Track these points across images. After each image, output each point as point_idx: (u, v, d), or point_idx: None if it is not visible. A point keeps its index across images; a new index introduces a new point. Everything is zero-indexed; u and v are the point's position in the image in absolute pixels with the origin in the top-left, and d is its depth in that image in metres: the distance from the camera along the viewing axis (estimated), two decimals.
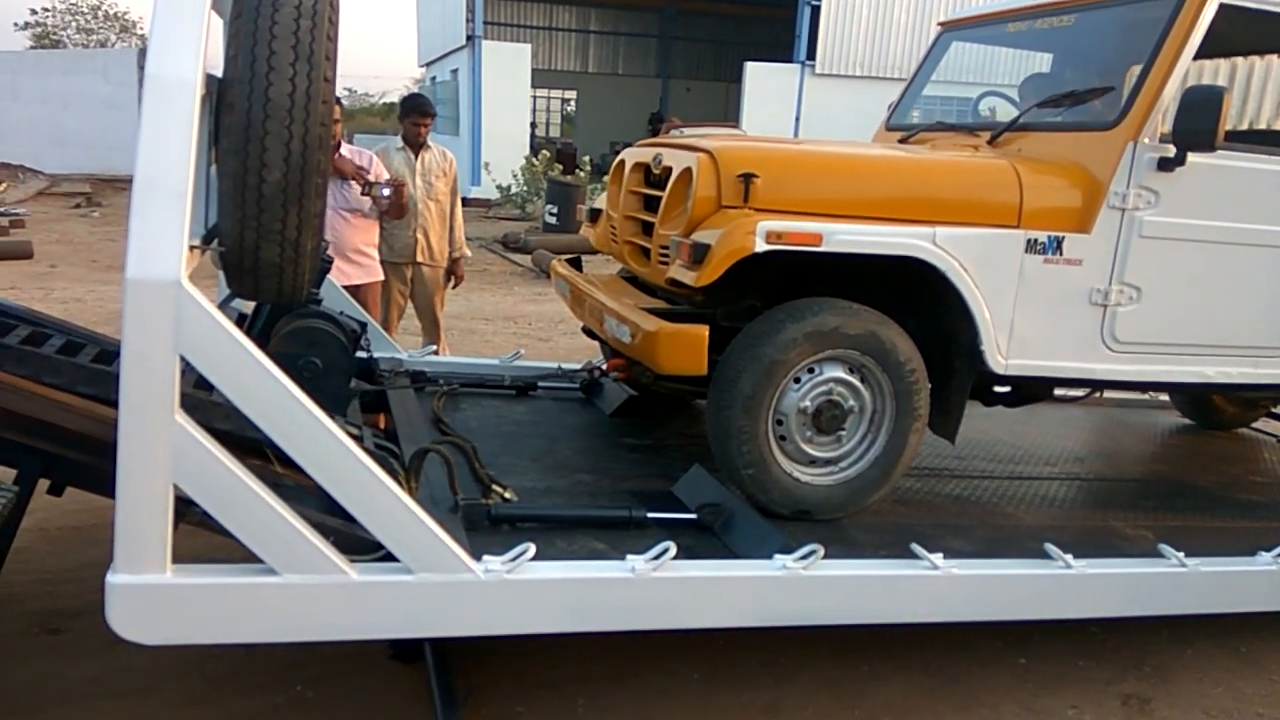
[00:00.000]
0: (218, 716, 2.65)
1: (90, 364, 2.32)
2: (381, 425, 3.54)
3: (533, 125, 25.29)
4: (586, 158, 17.21)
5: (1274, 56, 3.71)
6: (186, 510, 2.09)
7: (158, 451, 1.90)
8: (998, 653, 3.23)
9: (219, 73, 2.27)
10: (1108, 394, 5.09)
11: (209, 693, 2.74)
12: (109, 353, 2.60)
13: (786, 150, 3.12)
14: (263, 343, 3.15)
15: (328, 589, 2.10)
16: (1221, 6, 2.98)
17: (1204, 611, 3.01)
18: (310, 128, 2.11)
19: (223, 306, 3.55)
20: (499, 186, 17.59)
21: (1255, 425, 4.95)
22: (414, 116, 5.13)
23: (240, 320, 3.42)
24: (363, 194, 4.43)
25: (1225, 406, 4.83)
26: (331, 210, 4.45)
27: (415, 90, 30.49)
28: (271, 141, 2.08)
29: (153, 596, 1.98)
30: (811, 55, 19.94)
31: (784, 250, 2.71)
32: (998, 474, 3.70)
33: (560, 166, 16.89)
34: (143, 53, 20.90)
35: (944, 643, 3.20)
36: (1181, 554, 2.86)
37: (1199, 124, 2.84)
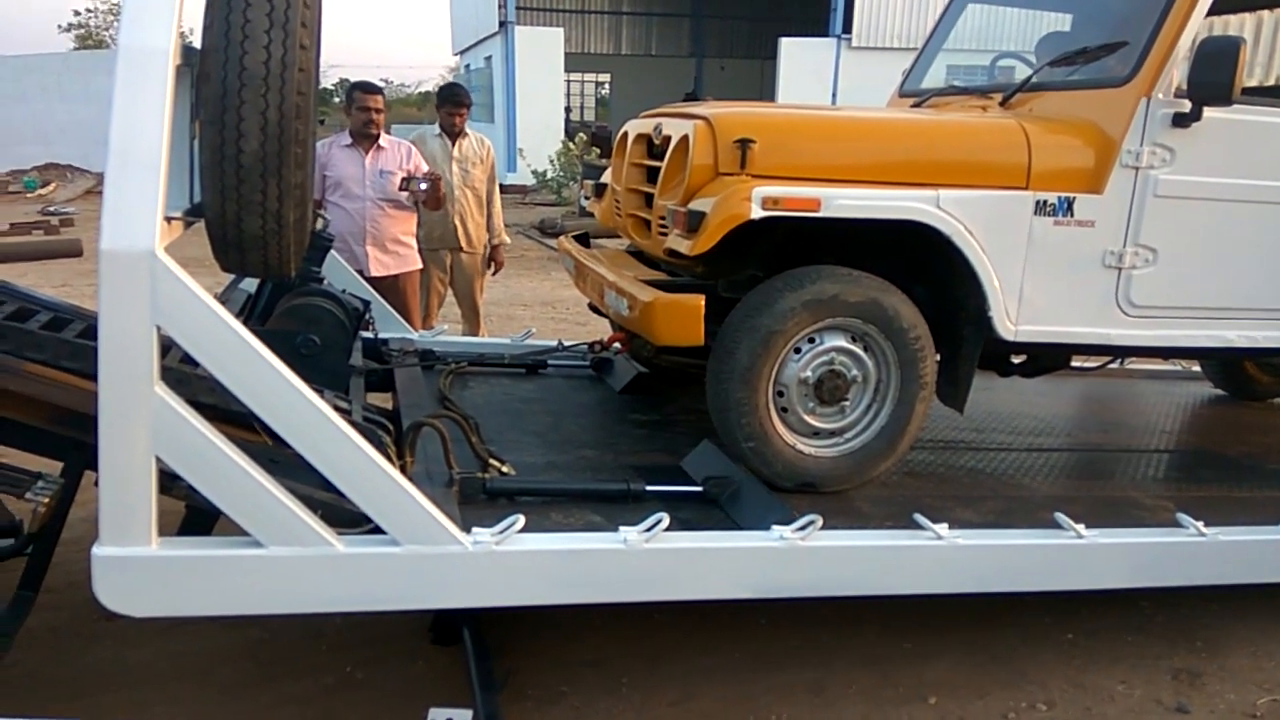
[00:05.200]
0: (271, 698, 2.68)
1: (75, 339, 2.34)
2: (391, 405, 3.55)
3: (567, 109, 25.28)
4: None
5: None
6: (172, 484, 2.10)
7: (138, 424, 1.91)
8: (1045, 629, 3.16)
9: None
10: (1137, 365, 4.97)
11: (261, 675, 2.78)
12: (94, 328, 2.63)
13: (784, 115, 3.06)
14: (264, 321, 3.18)
15: (314, 561, 2.11)
16: None
17: (1228, 582, 2.90)
18: (286, 96, 2.09)
19: (232, 287, 3.60)
20: (535, 172, 17.60)
21: None
22: (449, 106, 5.14)
23: (246, 301, 3.45)
24: (400, 189, 4.45)
25: (1259, 375, 4.65)
26: (370, 202, 4.50)
27: (450, 79, 30.64)
28: (247, 111, 2.07)
29: (138, 568, 2.00)
30: (848, 29, 19.62)
31: (782, 217, 2.65)
32: (1016, 446, 3.61)
33: (597, 150, 16.85)
34: None
35: (990, 619, 3.14)
36: (1200, 523, 2.76)
37: (1215, 77, 2.72)
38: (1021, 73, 3.61)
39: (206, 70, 2.09)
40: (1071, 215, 2.85)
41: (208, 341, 1.94)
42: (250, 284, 3.50)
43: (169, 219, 2.00)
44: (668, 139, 3.05)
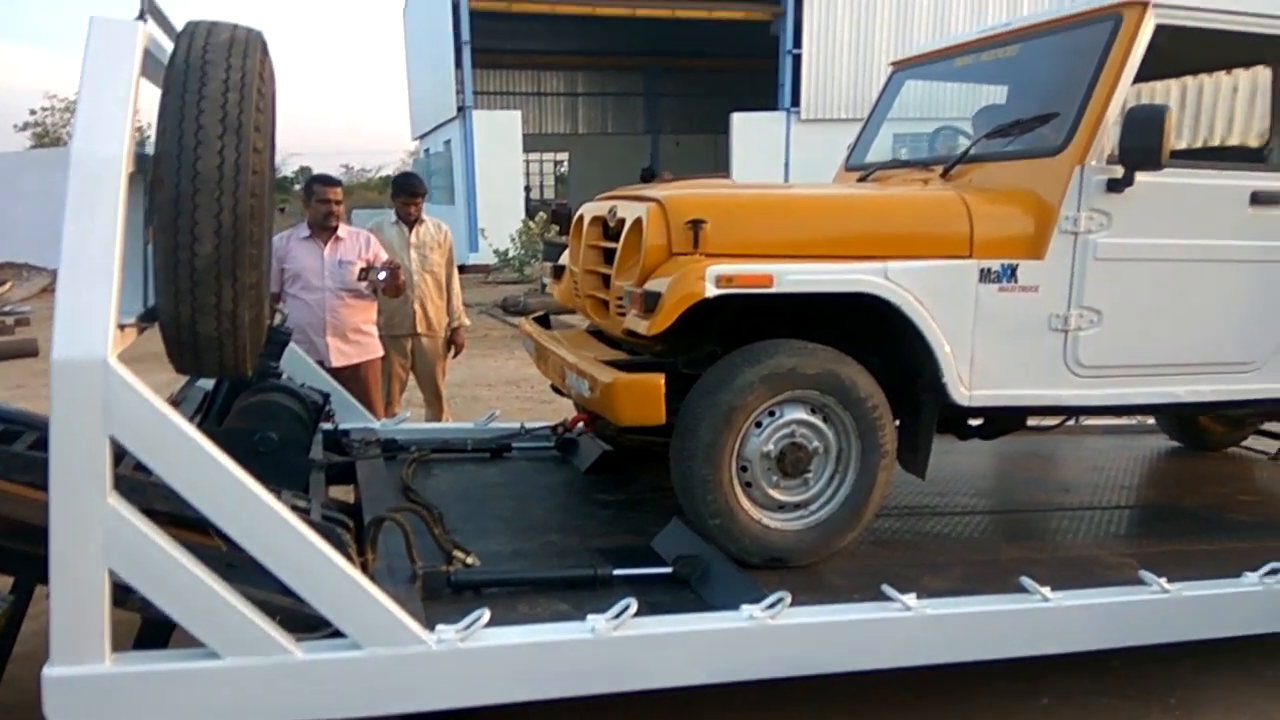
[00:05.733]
0: None
1: (27, 450, 2.30)
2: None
3: (527, 188, 25.59)
4: None
5: (1221, 74, 3.72)
6: (126, 597, 2.05)
7: (90, 536, 1.87)
8: (1019, 694, 3.14)
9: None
10: (1094, 421, 5.05)
11: None
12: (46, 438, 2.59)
13: (734, 195, 3.13)
14: (222, 420, 3.15)
15: (273, 670, 2.05)
16: (1158, 27, 3.00)
17: (1194, 637, 2.91)
18: (240, 199, 2.11)
19: (189, 385, 3.57)
20: (496, 252, 17.74)
21: (1245, 444, 4.87)
22: (403, 196, 5.20)
23: (202, 399, 3.42)
24: (359, 279, 4.47)
25: (1212, 426, 4.75)
26: (329, 292, 4.50)
27: (408, 166, 30.97)
28: (201, 215, 2.08)
29: (92, 688, 1.94)
30: (796, 102, 20.20)
31: (736, 294, 2.69)
32: (979, 509, 3.63)
33: (557, 227, 17.03)
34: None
35: (963, 686, 3.11)
36: (1163, 580, 2.78)
37: (1144, 143, 2.83)
38: (962, 143, 3.74)
39: (160, 176, 2.11)
40: (1015, 281, 2.93)
41: (161, 449, 1.92)
42: (207, 381, 3.48)
43: (122, 326, 2.00)
44: (622, 221, 3.11)
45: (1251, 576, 2.91)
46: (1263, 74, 3.34)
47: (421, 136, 26.99)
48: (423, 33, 23.26)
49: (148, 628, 2.29)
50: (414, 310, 5.13)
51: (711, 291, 2.65)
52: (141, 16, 2.31)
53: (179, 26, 2.26)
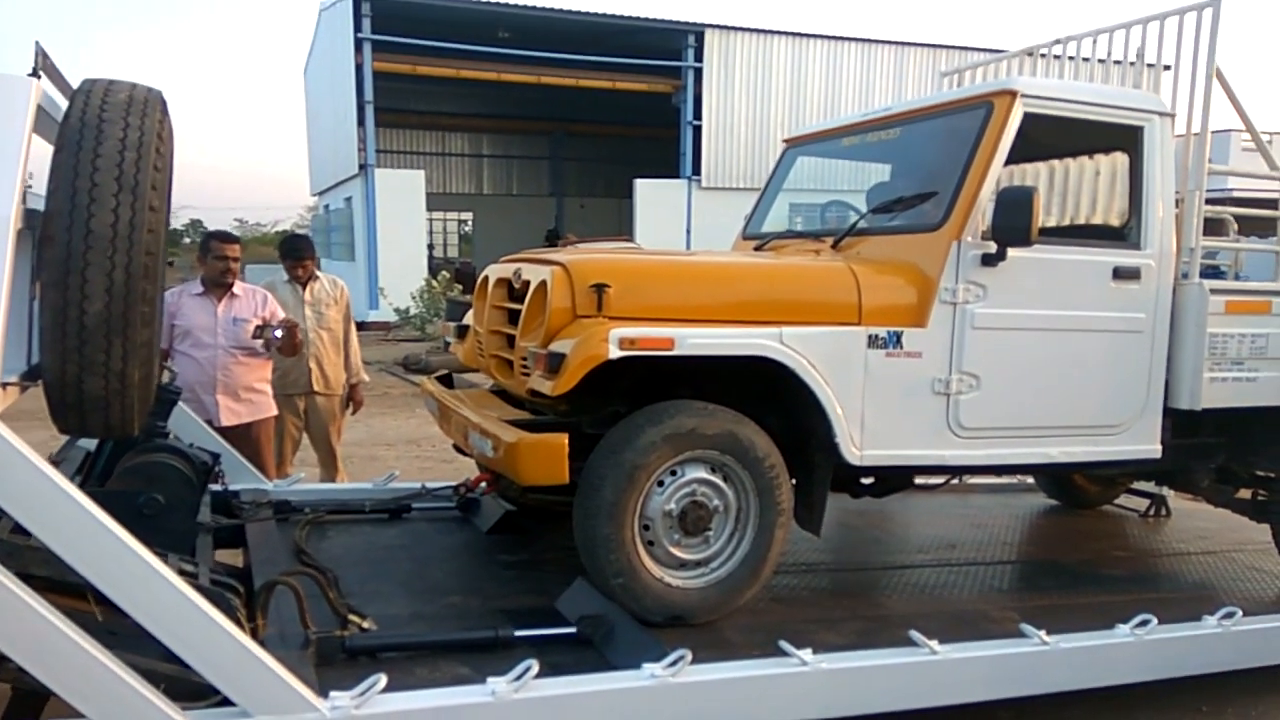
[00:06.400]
0: None
1: None
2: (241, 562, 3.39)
3: (430, 246, 25.45)
4: None
5: (1085, 158, 4.04)
6: (0, 668, 1.95)
7: None
8: None
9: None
10: (977, 480, 5.29)
11: None
12: None
13: (636, 260, 3.23)
14: (105, 481, 3.02)
15: None
16: (1027, 115, 3.26)
17: (1073, 687, 3.06)
18: (134, 257, 2.08)
19: (70, 444, 3.42)
20: (396, 310, 17.52)
21: (1117, 502, 5.17)
22: (290, 260, 5.08)
23: (84, 458, 3.28)
24: (254, 337, 4.37)
25: (1087, 486, 5.04)
26: (223, 350, 4.38)
27: (306, 221, 30.34)
28: (93, 273, 2.04)
29: None
30: (697, 170, 20.83)
31: (639, 356, 2.76)
32: (872, 565, 3.76)
33: (460, 286, 16.96)
34: None
35: None
36: (1043, 632, 2.93)
37: (1014, 221, 3.06)
38: (851, 216, 3.94)
39: (51, 233, 2.06)
40: (901, 347, 3.09)
41: (39, 509, 1.85)
42: (89, 440, 3.33)
43: (4, 385, 1.93)
44: (527, 283, 3.16)
45: (1124, 628, 3.09)
46: (1121, 159, 3.64)
47: (321, 192, 26.64)
48: (325, 89, 23.12)
49: (18, 699, 2.16)
50: (309, 368, 5.02)
51: (615, 353, 2.72)
52: (35, 73, 2.28)
53: (75, 84, 2.24)
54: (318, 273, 5.19)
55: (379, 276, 18.86)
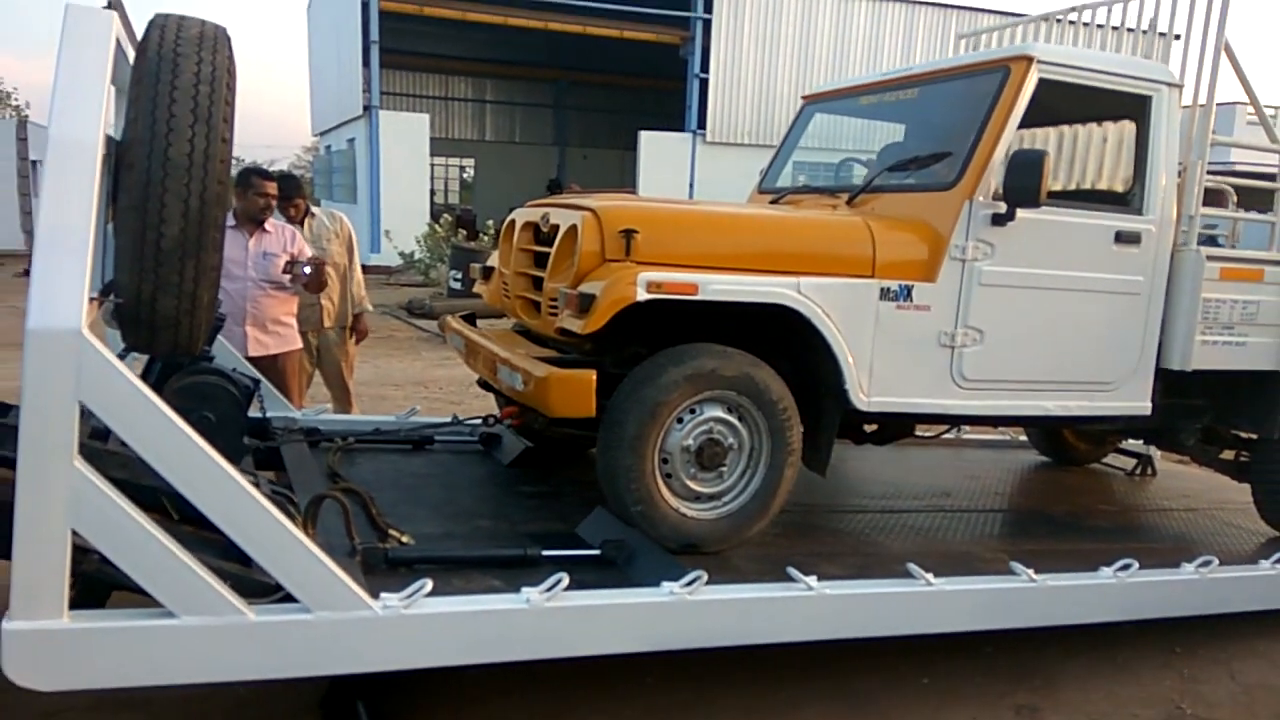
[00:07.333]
0: None
1: None
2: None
3: (432, 192, 25.39)
4: (489, 222, 17.41)
5: (1094, 125, 4.17)
6: (83, 558, 2.13)
7: (56, 497, 1.95)
8: (904, 674, 3.44)
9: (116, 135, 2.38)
10: (974, 435, 5.50)
11: None
12: (3, 405, 2.62)
13: (665, 209, 3.37)
14: None
15: (226, 630, 2.16)
16: (1041, 81, 3.39)
17: (1057, 623, 3.28)
18: (209, 185, 2.23)
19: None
20: (401, 253, 17.59)
21: (1106, 460, 5.39)
22: (280, 202, 5.03)
23: None
24: (285, 273, 4.51)
25: (1077, 443, 5.25)
26: (253, 283, 4.51)
27: (304, 161, 29.85)
28: (170, 198, 2.20)
29: (49, 642, 2.01)
30: (702, 124, 20.76)
31: (664, 299, 2.92)
32: (871, 509, 3.97)
33: (463, 232, 17.00)
34: (21, 124, 20.23)
35: (854, 667, 3.39)
36: (1031, 571, 3.14)
37: (1024, 183, 3.20)
38: (863, 173, 4.09)
39: (130, 160, 2.21)
40: (911, 301, 3.26)
41: (130, 417, 2.02)
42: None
43: (90, 299, 2.09)
44: (555, 227, 3.31)
45: (1106, 571, 3.31)
46: (1128, 127, 3.77)
47: (323, 133, 26.46)
48: (329, 29, 22.86)
49: (87, 587, 2.34)
50: (321, 304, 5.16)
51: (642, 296, 2.88)
52: (109, 6, 2.40)
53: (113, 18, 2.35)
54: (313, 209, 5.30)
55: (382, 220, 18.89)
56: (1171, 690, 3.48)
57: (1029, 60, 3.38)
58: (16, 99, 38.99)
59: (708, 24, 20.25)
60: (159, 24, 2.35)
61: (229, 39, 2.47)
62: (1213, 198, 4.04)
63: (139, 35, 2.44)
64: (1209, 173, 3.80)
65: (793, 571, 2.86)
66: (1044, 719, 3.25)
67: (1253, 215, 4.28)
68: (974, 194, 3.29)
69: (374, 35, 18.49)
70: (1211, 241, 4.54)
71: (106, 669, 2.09)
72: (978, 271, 3.33)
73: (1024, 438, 5.62)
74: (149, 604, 2.13)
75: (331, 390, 5.48)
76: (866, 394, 3.24)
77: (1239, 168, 6.63)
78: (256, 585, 2.29)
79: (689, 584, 2.64)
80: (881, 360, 3.24)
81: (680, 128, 21.10)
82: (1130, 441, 5.26)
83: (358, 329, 5.46)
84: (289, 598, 2.25)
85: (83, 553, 2.10)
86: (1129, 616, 3.42)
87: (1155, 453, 5.32)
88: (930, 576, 2.97)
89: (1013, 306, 3.41)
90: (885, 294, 3.23)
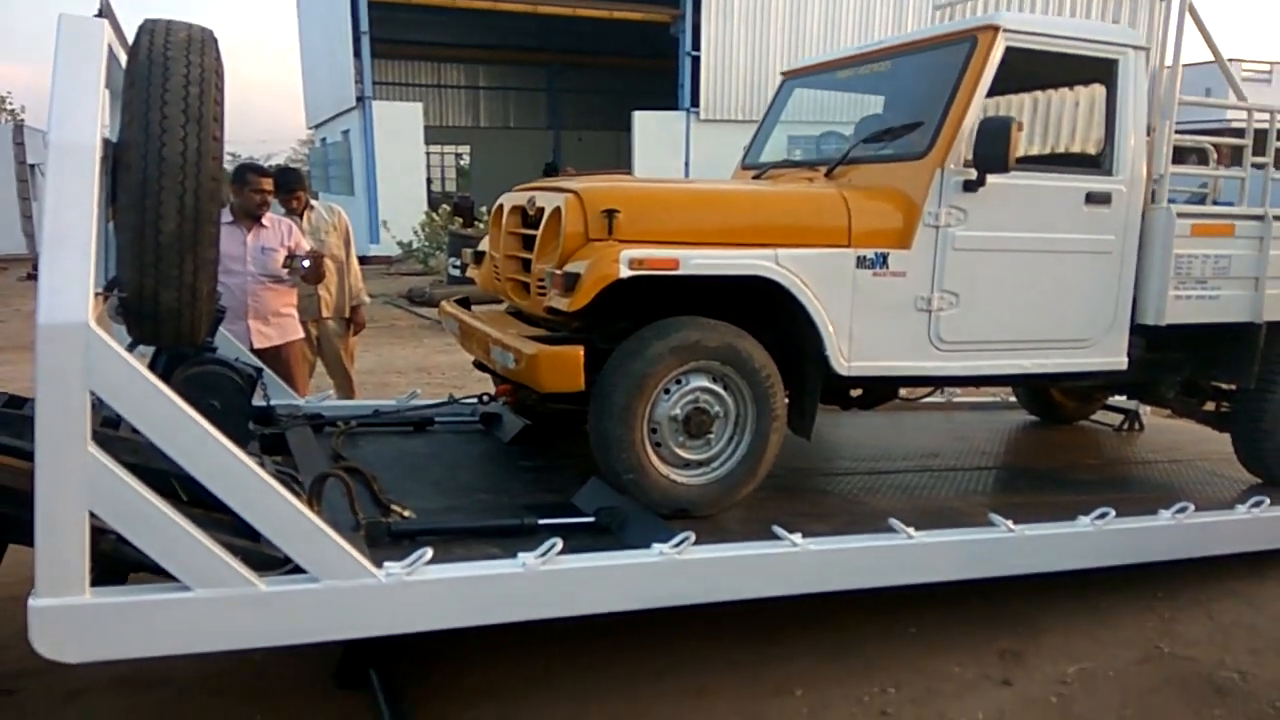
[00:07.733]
0: None
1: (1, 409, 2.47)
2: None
3: (428, 180, 25.45)
4: (484, 209, 17.50)
5: (1065, 90, 4.26)
6: (101, 538, 2.26)
7: (74, 481, 2.08)
8: (890, 624, 3.59)
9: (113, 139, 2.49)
10: (964, 398, 5.61)
11: None
12: (18, 398, 2.75)
13: (644, 188, 3.48)
14: None
15: (239, 601, 2.30)
16: (1008, 49, 3.48)
17: (1036, 570, 3.40)
18: (202, 181, 2.35)
19: None
20: (399, 243, 17.69)
21: (1094, 417, 5.50)
22: (281, 195, 5.13)
23: None
24: (284, 267, 4.63)
25: (1064, 401, 5.36)
26: (252, 277, 4.63)
27: (300, 155, 29.97)
28: (167, 196, 2.31)
29: (73, 617, 2.14)
30: (695, 102, 20.79)
31: (646, 275, 3.04)
32: (858, 470, 4.09)
33: (460, 220, 17.11)
34: (18, 128, 20.32)
35: (842, 619, 3.53)
36: (1009, 522, 3.26)
37: (993, 150, 3.30)
38: (843, 146, 4.18)
39: (127, 161, 2.33)
40: (887, 268, 3.36)
41: (139, 403, 2.15)
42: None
43: (96, 294, 2.21)
44: (541, 210, 3.42)
45: (1084, 519, 3.43)
46: (1099, 91, 3.86)
47: (317, 126, 26.51)
48: (319, 21, 22.88)
49: (106, 566, 2.47)
50: (319, 295, 5.29)
51: (625, 273, 2.99)
52: (100, 14, 2.51)
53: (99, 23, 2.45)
54: (313, 202, 5.42)
55: (379, 210, 18.99)
56: (1151, 632, 3.61)
57: (995, 29, 3.47)
58: (11, 103, 39.15)
59: (697, 2, 20.24)
60: (148, 29, 2.45)
61: (215, 41, 2.57)
62: (1196, 156, 4.13)
63: (129, 40, 2.55)
64: (1194, 132, 3.88)
65: (778, 529, 2.98)
66: (1027, 661, 3.39)
67: (1224, 171, 4.37)
68: (945, 162, 3.39)
69: (364, 25, 18.54)
70: (1201, 199, 4.63)
71: (127, 640, 2.22)
72: (951, 237, 3.43)
73: (1013, 398, 5.74)
74: (165, 582, 2.27)
75: (334, 378, 5.62)
76: (847, 359, 3.35)
77: (1235, 125, 6.68)
78: (266, 559, 2.42)
79: (677, 545, 2.77)
80: (861, 326, 3.35)
81: (674, 106, 21.13)
82: (1118, 398, 5.37)
83: (355, 320, 5.59)
84: (297, 570, 2.39)
85: (100, 533, 2.23)
86: (1106, 562, 3.54)
87: (1144, 408, 5.43)
88: (911, 530, 3.09)
89: (987, 269, 3.51)
90: (862, 262, 3.33)
